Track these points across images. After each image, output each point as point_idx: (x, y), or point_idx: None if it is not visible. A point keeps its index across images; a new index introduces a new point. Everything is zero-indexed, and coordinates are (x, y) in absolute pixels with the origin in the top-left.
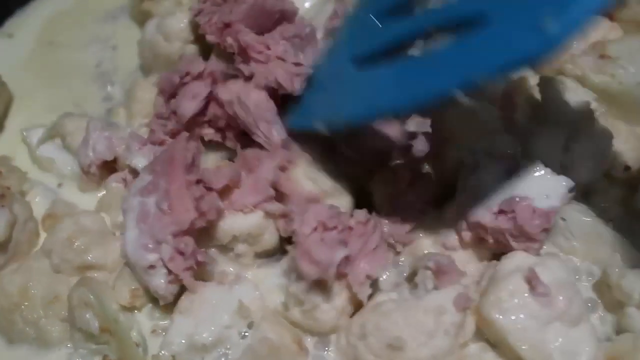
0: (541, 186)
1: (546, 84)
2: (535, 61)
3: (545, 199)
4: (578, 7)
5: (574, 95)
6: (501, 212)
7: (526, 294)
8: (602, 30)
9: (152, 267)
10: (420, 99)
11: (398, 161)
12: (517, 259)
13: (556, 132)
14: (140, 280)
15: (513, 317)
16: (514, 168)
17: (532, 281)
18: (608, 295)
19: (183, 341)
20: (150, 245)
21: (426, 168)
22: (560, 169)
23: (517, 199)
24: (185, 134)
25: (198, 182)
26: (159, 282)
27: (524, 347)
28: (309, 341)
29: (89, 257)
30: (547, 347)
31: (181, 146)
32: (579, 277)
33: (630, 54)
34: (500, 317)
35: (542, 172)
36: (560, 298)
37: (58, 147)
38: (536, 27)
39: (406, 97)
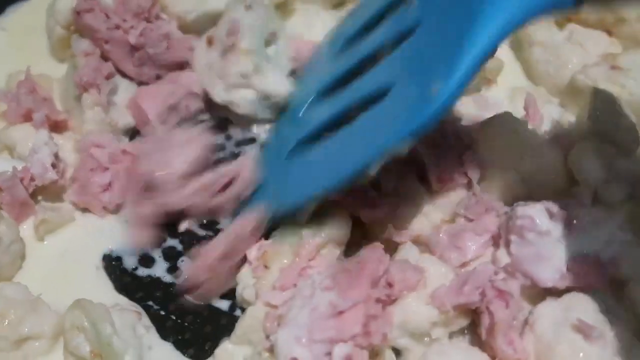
0: (602, 234)
1: (596, 96)
2: (428, 125)
3: (608, 246)
4: (461, 71)
5: (623, 111)
6: (569, 270)
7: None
8: (603, 45)
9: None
10: (346, 173)
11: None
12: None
13: (603, 148)
14: None
15: None
16: (572, 221)
17: (583, 329)
18: None
19: None
20: (303, 340)
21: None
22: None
23: (584, 257)
24: (380, 245)
25: (377, 301)
26: None
27: None
28: None
29: (25, 330)
30: None
31: (376, 257)
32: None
33: None
34: None
35: (600, 217)
36: (611, 332)
37: (7, 159)
38: (426, 93)
39: (335, 175)
